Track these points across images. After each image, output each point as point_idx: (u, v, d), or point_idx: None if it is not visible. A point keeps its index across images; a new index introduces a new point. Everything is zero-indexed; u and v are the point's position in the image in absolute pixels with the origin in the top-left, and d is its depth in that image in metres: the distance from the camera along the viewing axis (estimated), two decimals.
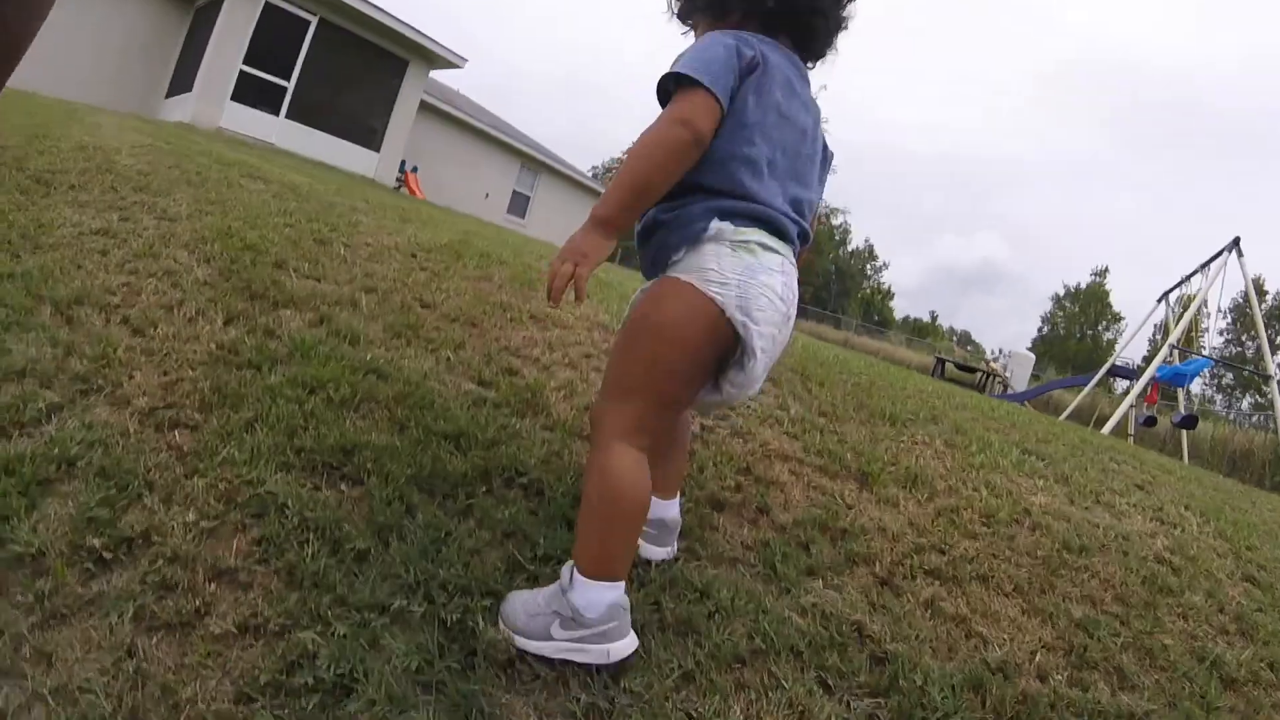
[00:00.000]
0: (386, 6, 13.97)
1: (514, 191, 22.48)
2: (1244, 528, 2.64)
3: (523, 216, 22.50)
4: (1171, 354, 10.82)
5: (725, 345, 1.14)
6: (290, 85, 13.08)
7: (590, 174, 41.23)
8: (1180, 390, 11.92)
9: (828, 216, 52.26)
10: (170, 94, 13.23)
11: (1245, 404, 38.98)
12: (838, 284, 55.47)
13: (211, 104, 12.03)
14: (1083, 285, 53.43)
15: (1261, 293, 38.26)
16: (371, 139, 14.88)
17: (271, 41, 12.57)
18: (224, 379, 1.67)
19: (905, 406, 3.06)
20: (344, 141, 14.09)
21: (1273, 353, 11.71)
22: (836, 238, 55.88)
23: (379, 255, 3.18)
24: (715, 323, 1.12)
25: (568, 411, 2.01)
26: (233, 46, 12.11)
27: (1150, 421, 11.48)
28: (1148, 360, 16.89)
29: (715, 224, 1.15)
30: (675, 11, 1.39)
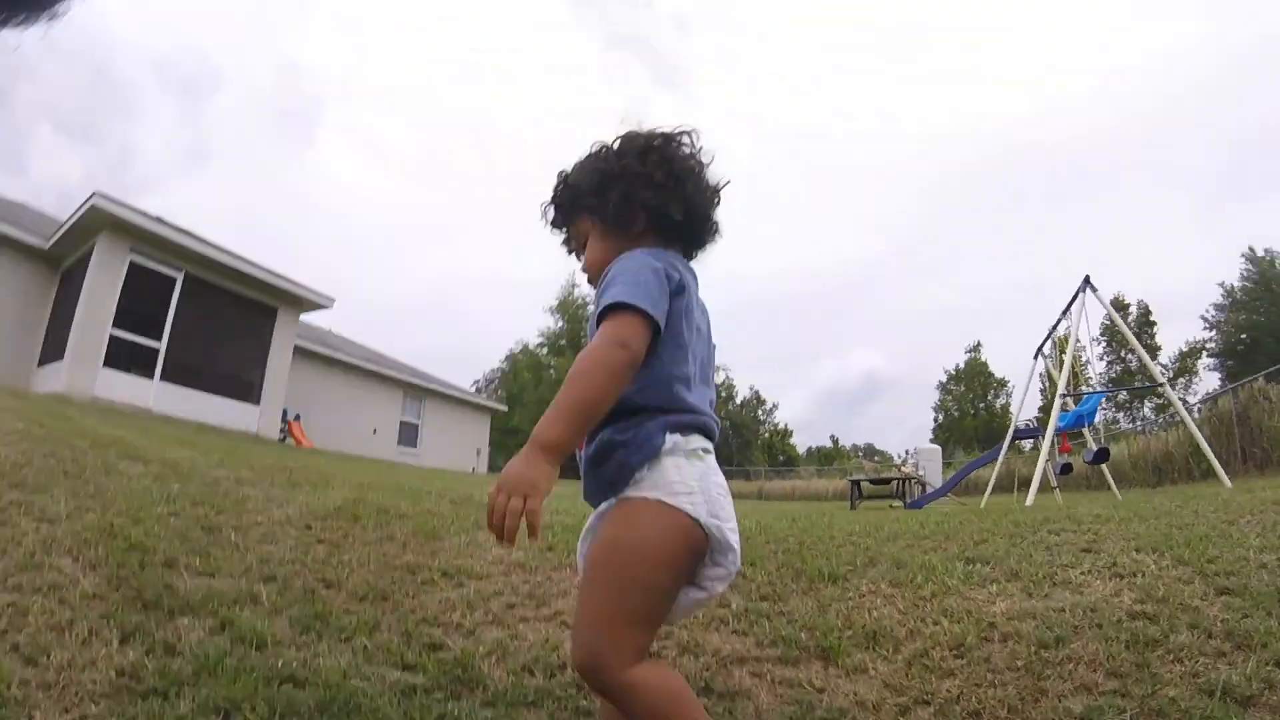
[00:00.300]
0: (249, 256, 14.33)
1: (401, 422, 22.34)
2: (1196, 542, 2.73)
3: (414, 445, 22.24)
4: (1065, 402, 11.33)
5: (700, 550, 1.17)
6: (162, 346, 12.95)
7: (474, 389, 41.79)
8: (1087, 429, 12.58)
9: None
10: (42, 362, 12.83)
11: (1147, 410, 40.52)
12: (736, 437, 56.47)
13: (84, 372, 11.70)
14: (961, 365, 56.45)
15: (1124, 308, 41.21)
16: (250, 392, 14.69)
17: (140, 301, 12.56)
18: (130, 712, 1.60)
19: (840, 558, 3.08)
20: (222, 398, 13.85)
21: (1153, 359, 12.45)
22: (724, 394, 57.77)
23: (272, 534, 3.14)
24: (690, 532, 1.15)
25: (504, 678, 1.98)
26: (101, 310, 12.00)
27: (1067, 469, 11.89)
28: (1044, 412, 17.65)
29: (670, 438, 1.20)
30: (556, 215, 1.48)
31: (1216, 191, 64.70)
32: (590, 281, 1.45)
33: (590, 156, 1.47)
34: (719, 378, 57.84)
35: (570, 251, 1.54)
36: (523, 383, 43.47)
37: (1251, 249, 42.58)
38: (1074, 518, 3.94)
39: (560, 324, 43.29)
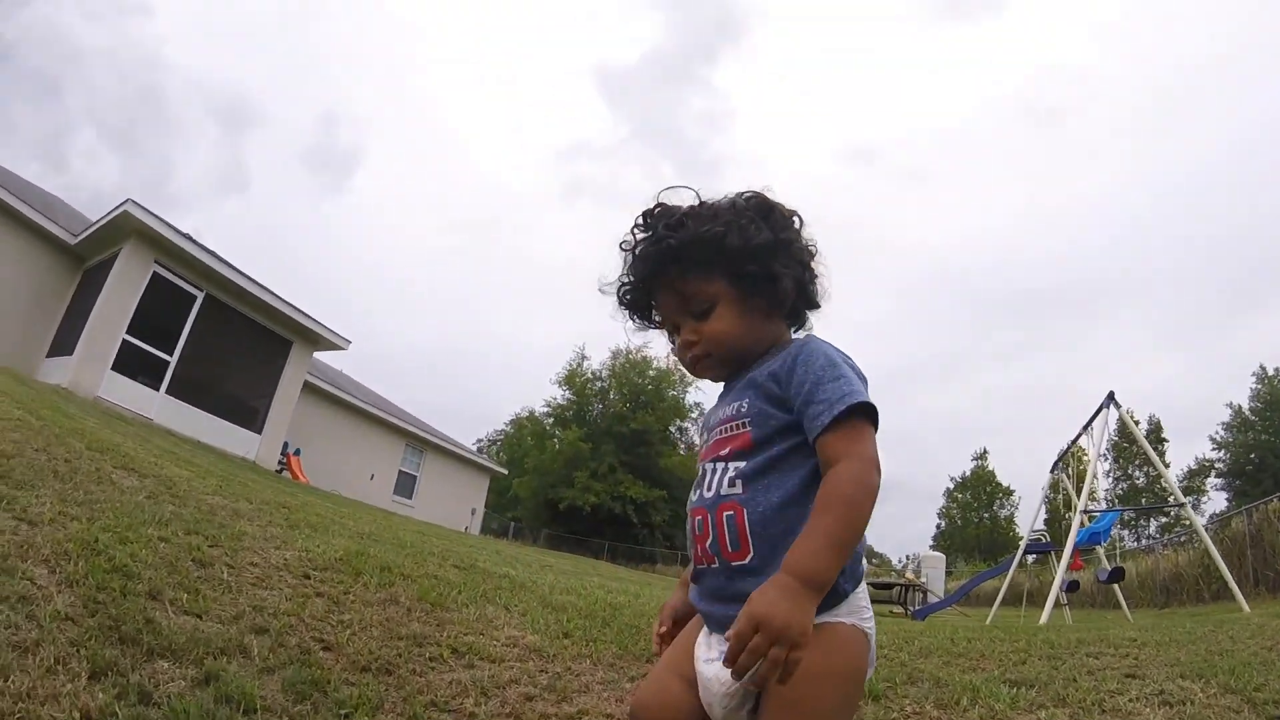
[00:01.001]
0: (272, 286, 14.35)
1: (400, 471, 22.03)
2: (1240, 669, 2.68)
3: (410, 497, 21.84)
4: (1083, 518, 10.98)
5: None
6: (173, 359, 12.85)
7: (476, 448, 41.28)
8: (1101, 546, 12.12)
9: None
10: (51, 354, 12.74)
11: (1153, 529, 40.16)
12: None
13: (92, 372, 11.58)
14: (967, 472, 55.16)
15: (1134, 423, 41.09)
16: (253, 420, 14.49)
17: (157, 313, 12.55)
18: None
19: (877, 673, 2.83)
20: (225, 421, 13.66)
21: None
22: None
23: (268, 578, 2.85)
24: (871, 651, 1.13)
25: None
26: (118, 314, 11.96)
27: (1073, 586, 11.54)
28: (1049, 525, 17.26)
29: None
30: (666, 265, 1.25)
31: (1227, 309, 65.73)
32: (698, 357, 1.29)
33: (732, 210, 1.28)
34: None
35: (637, 306, 1.36)
36: (525, 448, 42.91)
37: (1263, 367, 42.80)
38: (1109, 640, 3.84)
39: (567, 396, 42.88)
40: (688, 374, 1.37)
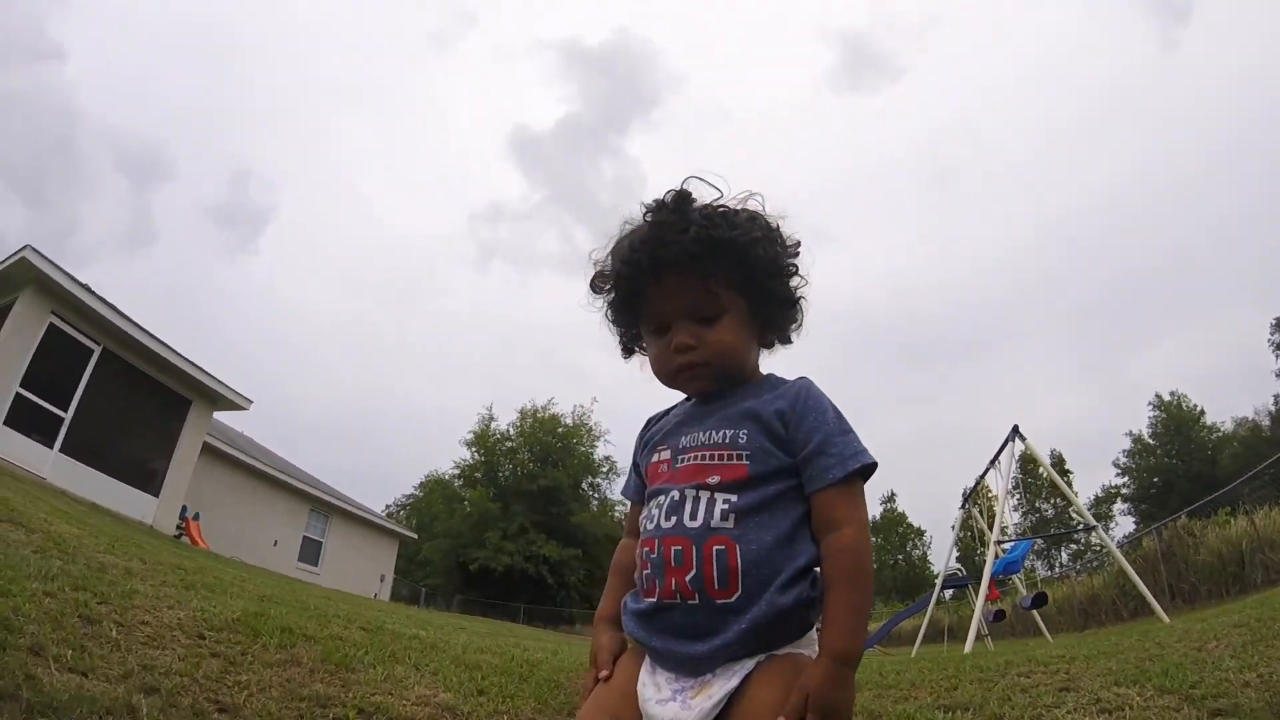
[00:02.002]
0: (173, 343, 13.88)
1: (305, 537, 21.09)
2: (1173, 671, 2.70)
3: (315, 564, 20.88)
4: (998, 550, 11.18)
5: None
6: (68, 416, 12.13)
7: (384, 513, 39.70)
8: (1018, 575, 12.29)
9: None
10: None
11: (1064, 556, 41.96)
12: None
13: None
14: (878, 516, 55.67)
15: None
16: (150, 482, 13.74)
17: (52, 366, 11.88)
18: None
19: None
20: (121, 484, 12.90)
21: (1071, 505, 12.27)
22: None
23: (159, 637, 2.72)
24: None
25: None
26: (12, 365, 11.26)
27: (1000, 616, 11.64)
28: (961, 560, 17.50)
29: None
30: (686, 258, 1.15)
31: (1117, 346, 70.71)
32: (692, 364, 1.21)
33: (760, 222, 1.22)
34: None
35: (631, 293, 1.24)
36: (435, 512, 41.54)
37: (1158, 395, 45.21)
38: (1037, 659, 3.86)
39: (477, 456, 41.98)
40: (664, 381, 1.27)
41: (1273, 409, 41.44)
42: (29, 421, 11.52)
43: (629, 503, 1.39)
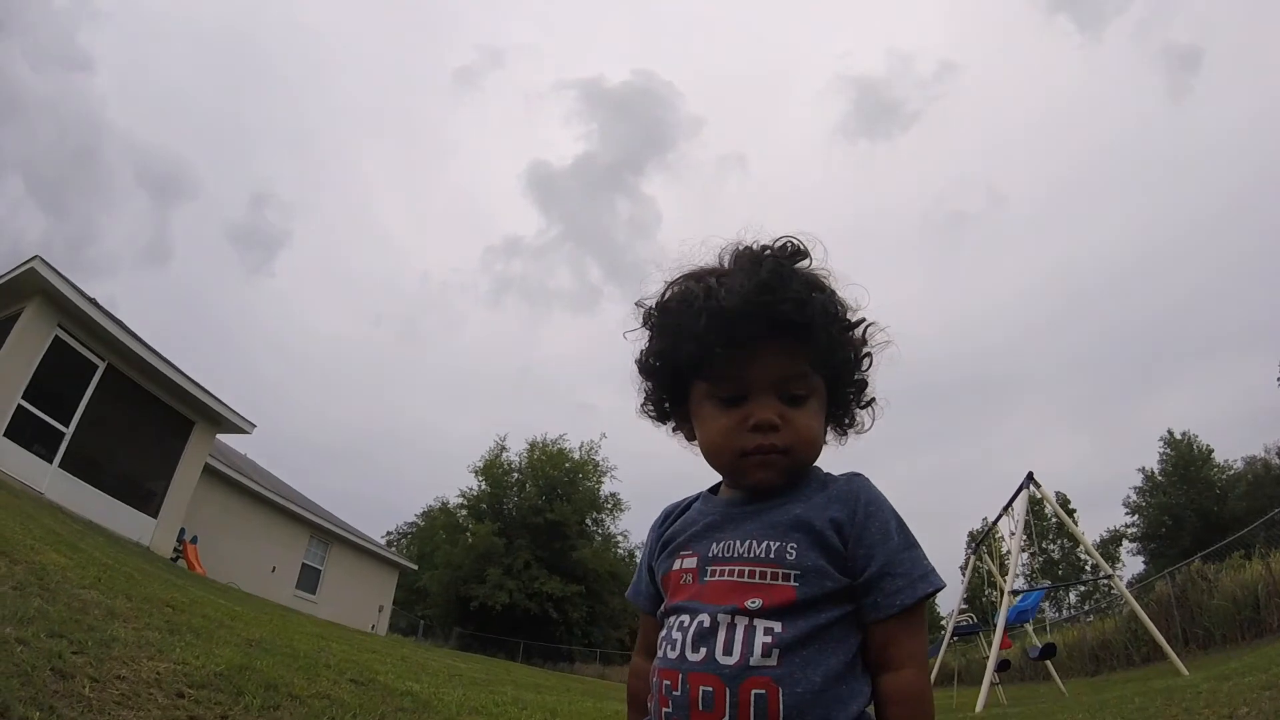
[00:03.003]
0: (179, 363, 13.87)
1: (303, 564, 20.83)
2: None
3: (313, 592, 20.59)
4: (1011, 599, 11.02)
5: None
6: (69, 431, 12.05)
7: (385, 541, 39.26)
8: (1029, 624, 12.03)
9: None
10: None
11: (1073, 599, 41.52)
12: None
13: None
14: None
15: (1040, 501, 42.83)
16: (149, 502, 13.61)
17: (56, 380, 11.82)
18: None
19: None
20: (119, 503, 12.77)
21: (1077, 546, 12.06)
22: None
23: (135, 695, 2.55)
24: None
25: None
26: (15, 376, 11.19)
27: (1004, 665, 11.43)
28: (969, 601, 17.13)
29: None
30: (796, 330, 0.99)
31: (1124, 393, 70.40)
32: (774, 448, 1.00)
33: (841, 301, 1.06)
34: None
35: (692, 364, 1.03)
36: (436, 542, 41.11)
37: (1170, 432, 44.52)
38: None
39: (483, 487, 41.64)
40: (722, 461, 1.06)
41: None
42: (31, 434, 11.45)
43: (641, 613, 1.19)
